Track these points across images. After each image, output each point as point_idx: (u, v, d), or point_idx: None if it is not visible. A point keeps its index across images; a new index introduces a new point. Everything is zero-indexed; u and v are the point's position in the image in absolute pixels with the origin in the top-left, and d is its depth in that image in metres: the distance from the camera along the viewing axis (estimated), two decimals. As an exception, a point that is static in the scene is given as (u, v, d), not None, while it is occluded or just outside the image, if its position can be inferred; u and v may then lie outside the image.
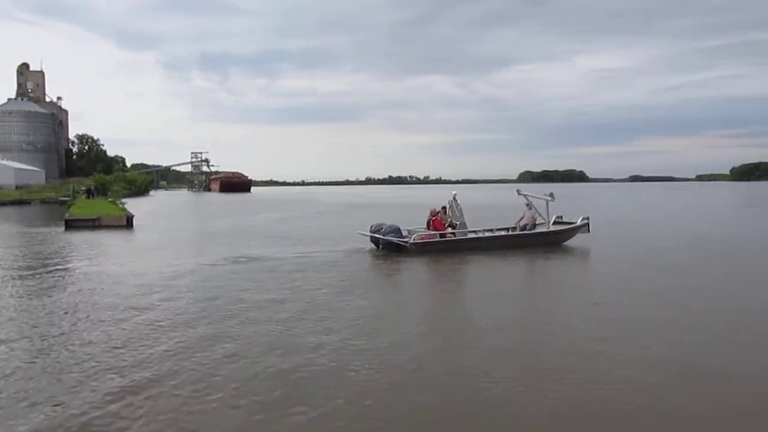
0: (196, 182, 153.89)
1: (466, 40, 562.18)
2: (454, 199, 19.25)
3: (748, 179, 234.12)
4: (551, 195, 19.67)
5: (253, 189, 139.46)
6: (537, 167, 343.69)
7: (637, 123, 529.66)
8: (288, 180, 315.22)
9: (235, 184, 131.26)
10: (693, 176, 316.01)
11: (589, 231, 19.38)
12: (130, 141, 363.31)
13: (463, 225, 18.88)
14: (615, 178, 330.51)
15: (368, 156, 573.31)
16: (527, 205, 19.49)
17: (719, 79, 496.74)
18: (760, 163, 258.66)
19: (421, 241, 17.79)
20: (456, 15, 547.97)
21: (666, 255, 17.41)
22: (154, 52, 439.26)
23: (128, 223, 29.16)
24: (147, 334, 8.60)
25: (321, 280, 13.21)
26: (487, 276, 14.71)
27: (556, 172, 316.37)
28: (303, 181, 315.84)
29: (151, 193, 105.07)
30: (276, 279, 13.36)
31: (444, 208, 19.17)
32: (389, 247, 17.77)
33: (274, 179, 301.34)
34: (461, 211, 19.11)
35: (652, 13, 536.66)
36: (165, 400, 6.06)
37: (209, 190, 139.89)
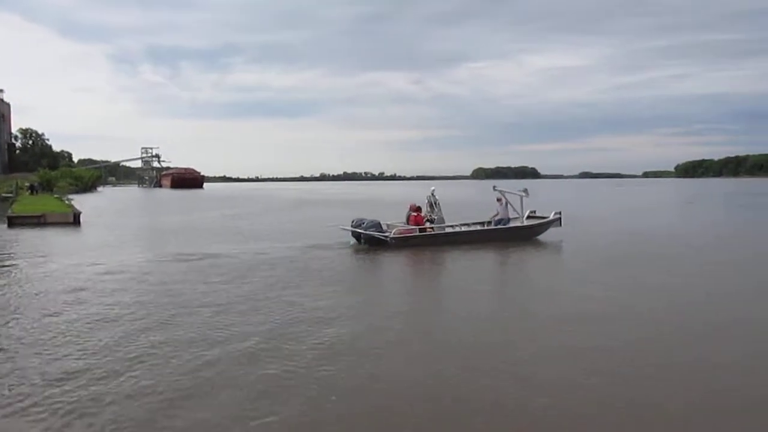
0: (146, 178, 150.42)
1: (421, 36, 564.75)
2: (432, 194, 19.80)
3: (692, 176, 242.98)
4: (525, 191, 20.49)
5: (205, 185, 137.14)
6: (490, 164, 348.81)
7: (588, 121, 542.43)
8: (242, 176, 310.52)
9: (187, 180, 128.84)
10: (640, 173, 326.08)
11: (561, 225, 20.23)
12: (77, 136, 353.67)
13: (441, 220, 19.44)
14: (566, 174, 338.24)
15: (323, 152, 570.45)
16: (498, 200, 20.18)
17: (666, 79, 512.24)
18: (703, 160, 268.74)
19: (400, 235, 18.17)
20: (412, 12, 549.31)
21: (625, 248, 18.38)
22: (102, 45, 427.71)
23: (75, 220, 28.46)
24: (77, 330, 8.58)
25: (276, 275, 13.29)
26: (463, 269, 15.17)
27: (509, 168, 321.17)
28: (257, 177, 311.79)
29: (99, 189, 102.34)
30: (226, 275, 13.37)
31: (430, 203, 19.70)
32: (370, 241, 18.07)
33: (227, 175, 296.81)
34: (439, 206, 19.64)
35: (603, 14, 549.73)
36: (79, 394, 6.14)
37: (160, 186, 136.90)
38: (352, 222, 18.86)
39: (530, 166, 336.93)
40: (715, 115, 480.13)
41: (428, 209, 19.57)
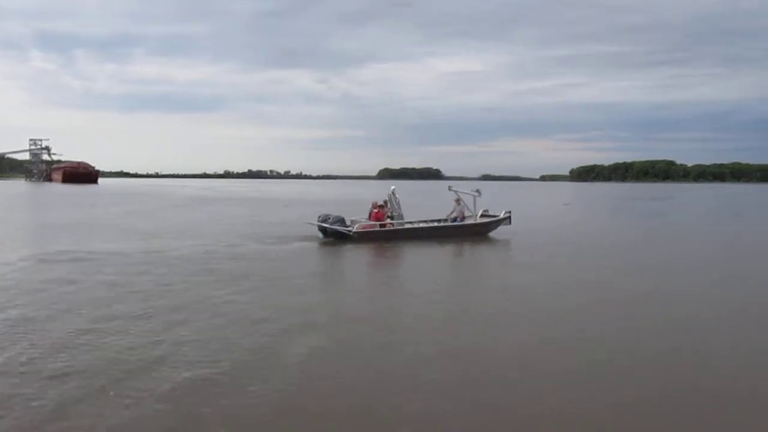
0: (35, 171, 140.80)
1: (327, 35, 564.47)
2: (393, 193, 21.20)
3: (585, 180, 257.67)
4: (478, 191, 22.16)
5: (101, 180, 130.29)
6: (396, 164, 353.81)
7: (490, 125, 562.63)
8: (141, 171, 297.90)
9: (80, 174, 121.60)
10: (537, 176, 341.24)
11: (510, 223, 21.76)
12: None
13: (401, 216, 20.90)
14: (468, 176, 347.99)
15: (227, 149, 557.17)
16: (456, 200, 21.60)
17: (564, 87, 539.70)
18: (595, 165, 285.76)
19: (362, 230, 19.51)
20: (317, 9, 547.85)
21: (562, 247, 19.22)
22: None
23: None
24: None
25: (167, 274, 12.68)
26: (420, 261, 16.52)
27: (413, 169, 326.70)
28: (157, 173, 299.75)
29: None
30: (126, 274, 12.62)
31: (385, 201, 20.97)
32: (335, 235, 19.32)
33: (125, 170, 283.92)
34: (399, 204, 21.15)
35: (506, 21, 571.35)
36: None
37: (50, 180, 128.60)
38: (319, 217, 20.07)
39: (434, 167, 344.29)
40: (607, 122, 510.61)
41: (390, 207, 20.87)
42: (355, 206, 27.43)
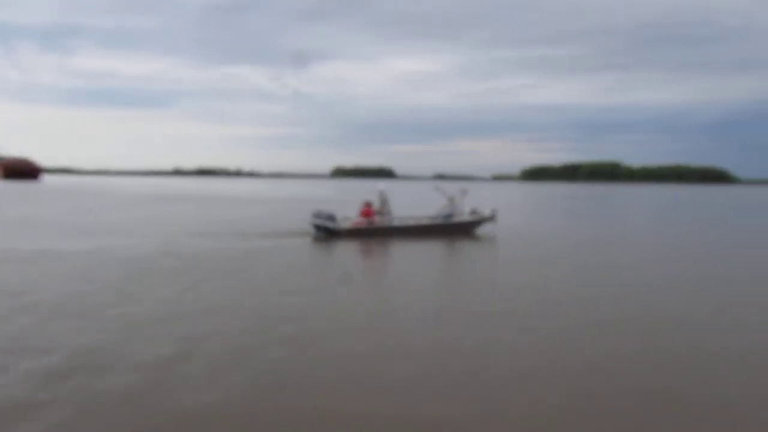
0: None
1: (280, 32, 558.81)
2: (383, 192, 22.14)
3: (535, 180, 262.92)
4: (465, 191, 23.30)
5: (43, 177, 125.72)
6: (349, 163, 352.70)
7: (443, 125, 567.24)
8: (86, 168, 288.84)
9: (21, 170, 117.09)
10: (489, 176, 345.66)
11: (496, 221, 22.72)
12: None
13: (390, 214, 21.78)
14: (421, 176, 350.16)
15: (178, 146, 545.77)
16: (449, 198, 22.62)
17: (516, 88, 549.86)
18: (545, 166, 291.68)
19: (353, 227, 20.57)
20: (270, 6, 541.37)
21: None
22: None
23: None
24: None
25: (109, 274, 12.47)
26: (407, 257, 17.35)
27: (367, 168, 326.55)
28: (104, 170, 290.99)
29: None
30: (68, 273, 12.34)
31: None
32: (327, 231, 20.29)
33: (70, 167, 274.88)
34: (388, 202, 22.09)
35: (459, 23, 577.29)
36: None
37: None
38: (313, 214, 20.90)
39: (388, 166, 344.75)
40: (557, 124, 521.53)
41: (379, 205, 21.75)
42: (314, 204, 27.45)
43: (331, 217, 20.46)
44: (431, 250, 18.82)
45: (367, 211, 21.21)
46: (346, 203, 26.52)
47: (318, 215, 20.62)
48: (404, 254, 17.82)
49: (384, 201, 21.89)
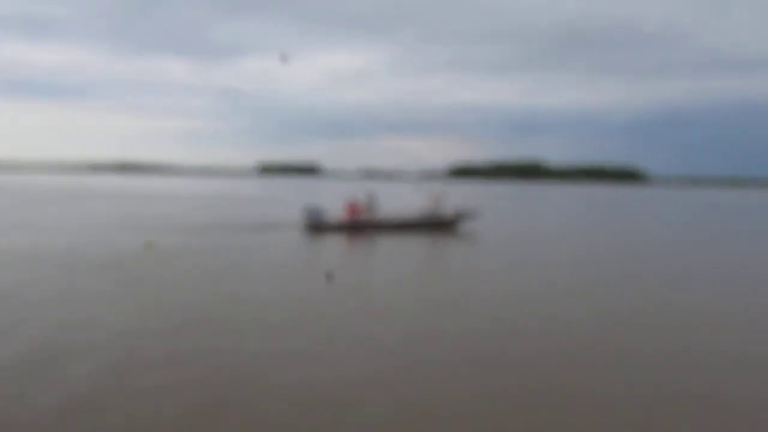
0: None
1: (203, 24, 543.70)
2: (369, 191, 25.12)
3: (461, 177, 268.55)
4: (445, 191, 26.80)
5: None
6: (275, 158, 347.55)
7: (371, 122, 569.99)
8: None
9: None
10: (417, 173, 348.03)
11: (476, 218, 25.88)
12: None
13: (377, 210, 24.44)
14: (348, 172, 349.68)
15: (95, 139, 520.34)
16: (432, 196, 25.51)
17: (444, 86, 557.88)
18: (471, 163, 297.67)
19: (341, 222, 23.02)
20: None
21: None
22: None
23: None
24: None
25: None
26: (393, 249, 19.45)
27: (293, 164, 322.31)
28: (11, 165, 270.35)
29: None
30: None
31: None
32: (316, 226, 22.61)
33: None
34: (375, 200, 24.76)
35: (389, 20, 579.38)
36: None
37: None
38: (303, 209, 23.34)
39: (314, 162, 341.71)
40: (484, 122, 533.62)
41: (367, 202, 24.37)
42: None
43: (321, 212, 22.84)
44: (411, 243, 20.98)
45: (353, 208, 23.54)
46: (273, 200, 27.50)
47: (308, 210, 22.88)
48: (385, 247, 20.17)
49: (371, 200, 24.57)
